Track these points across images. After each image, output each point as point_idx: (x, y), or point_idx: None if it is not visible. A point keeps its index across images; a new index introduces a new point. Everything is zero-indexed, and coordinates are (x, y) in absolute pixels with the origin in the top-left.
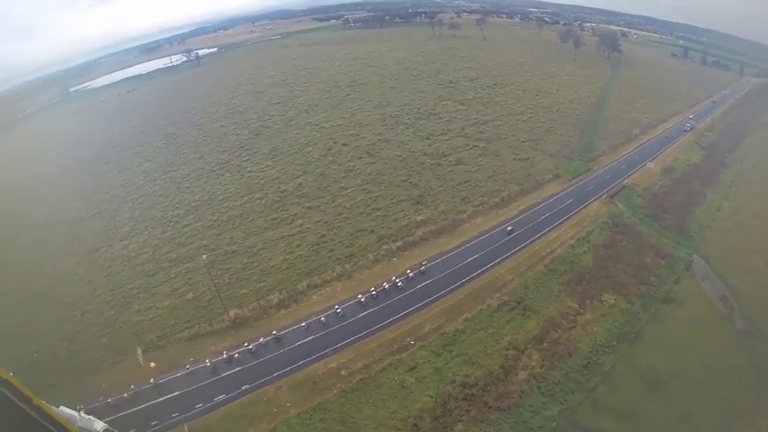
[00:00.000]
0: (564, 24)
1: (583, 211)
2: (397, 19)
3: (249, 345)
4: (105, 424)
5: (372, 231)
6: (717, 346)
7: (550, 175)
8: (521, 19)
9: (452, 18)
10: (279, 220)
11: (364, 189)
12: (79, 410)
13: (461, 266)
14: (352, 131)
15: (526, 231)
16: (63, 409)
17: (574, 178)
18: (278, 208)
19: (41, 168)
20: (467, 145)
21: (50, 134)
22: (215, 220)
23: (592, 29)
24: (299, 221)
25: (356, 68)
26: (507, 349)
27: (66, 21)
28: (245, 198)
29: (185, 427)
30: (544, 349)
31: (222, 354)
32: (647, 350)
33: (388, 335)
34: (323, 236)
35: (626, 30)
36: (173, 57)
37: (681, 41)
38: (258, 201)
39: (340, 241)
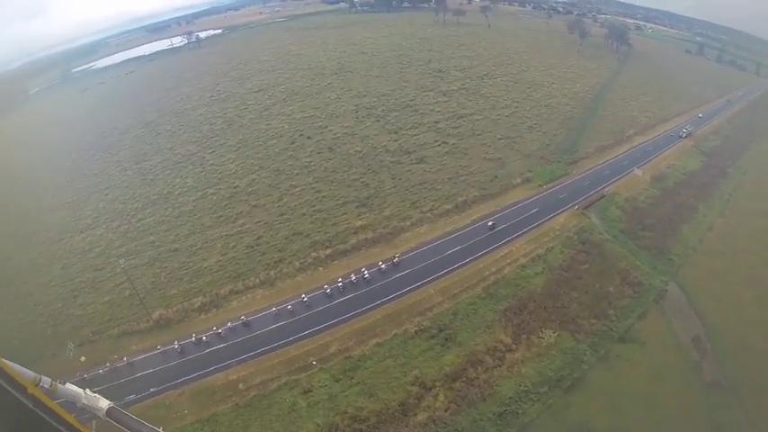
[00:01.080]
0: (577, 15)
1: (546, 224)
2: (405, 3)
3: (160, 348)
4: (110, 402)
5: (308, 236)
6: (675, 402)
7: (519, 179)
8: (533, 8)
9: (461, 4)
10: (223, 219)
11: (314, 188)
12: (85, 389)
13: (387, 282)
14: (320, 123)
15: (474, 245)
16: (69, 386)
17: (546, 184)
18: (226, 205)
19: (29, 154)
20: (435, 141)
21: (43, 119)
22: (167, 216)
23: (603, 20)
24: (242, 221)
25: (347, 55)
26: (413, 384)
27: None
28: (199, 193)
29: (92, 424)
30: (455, 389)
31: (139, 354)
32: (585, 401)
33: (292, 351)
34: (259, 237)
35: (641, 23)
36: (173, 39)
37: (698, 38)
38: (210, 197)
39: (274, 245)
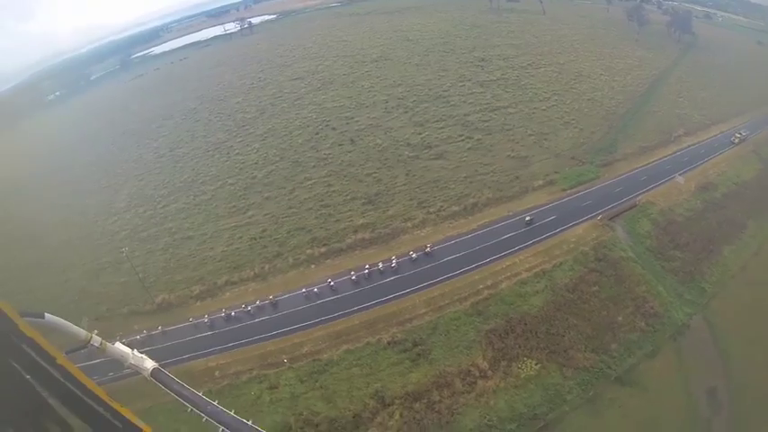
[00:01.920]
0: (639, 1)
1: (561, 235)
2: None
3: (145, 332)
4: (155, 363)
5: (309, 231)
6: None
7: (542, 181)
8: None
9: None
10: (236, 209)
11: (326, 182)
12: (133, 349)
13: (376, 287)
14: (349, 114)
15: (477, 252)
16: (118, 345)
17: (572, 187)
18: (241, 196)
19: (78, 138)
20: (460, 136)
21: (95, 105)
22: (187, 204)
23: (669, 7)
24: (252, 212)
25: (392, 42)
26: (372, 397)
27: None
28: (219, 183)
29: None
30: (414, 410)
31: (142, 332)
32: None
33: (268, 346)
34: (264, 230)
35: (712, 11)
36: (227, 25)
37: None
38: (229, 186)
39: (276, 238)
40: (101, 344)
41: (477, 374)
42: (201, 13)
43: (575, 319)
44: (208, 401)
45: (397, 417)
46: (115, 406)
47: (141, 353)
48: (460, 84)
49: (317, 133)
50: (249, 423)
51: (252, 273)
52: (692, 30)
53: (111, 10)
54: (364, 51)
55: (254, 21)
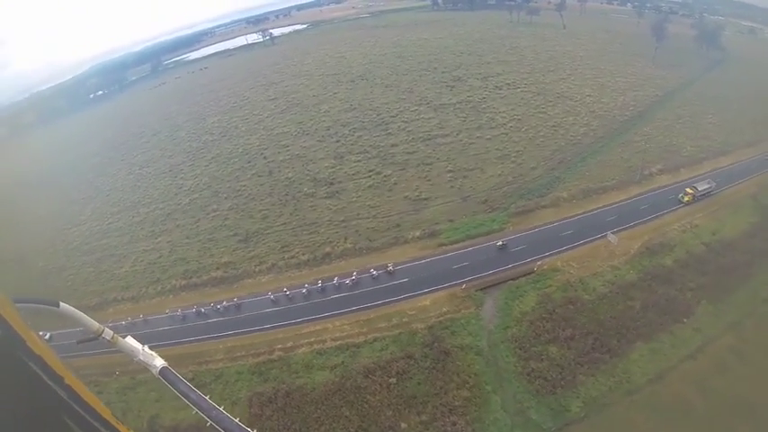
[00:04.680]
0: (666, 13)
1: (401, 303)
2: (491, 1)
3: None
4: (165, 362)
5: (187, 262)
6: None
7: (422, 232)
8: (633, 7)
9: (549, 2)
10: (152, 234)
11: (225, 215)
12: (144, 345)
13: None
14: (286, 142)
15: (295, 309)
16: (129, 339)
17: (456, 242)
18: (162, 221)
19: (83, 148)
20: (369, 171)
21: (110, 112)
22: (125, 224)
23: (699, 21)
24: (160, 238)
25: (382, 59)
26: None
27: None
28: (153, 206)
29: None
30: None
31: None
32: None
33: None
34: (160, 256)
35: (758, 26)
36: (249, 36)
37: None
38: (158, 211)
39: (162, 265)
40: (112, 337)
41: None
42: (242, 19)
43: (348, 411)
44: (213, 406)
45: None
46: (123, 430)
47: (152, 350)
48: (415, 108)
49: (248, 162)
50: None
51: (131, 295)
52: (721, 45)
53: (168, 10)
54: (349, 69)
55: (285, 30)
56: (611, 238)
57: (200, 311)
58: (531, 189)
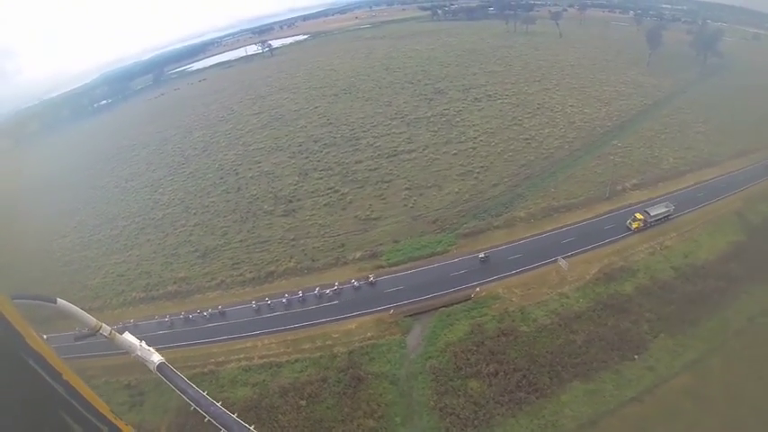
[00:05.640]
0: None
1: (329, 325)
2: (491, 10)
3: None
4: (162, 358)
5: (150, 276)
6: None
7: (364, 252)
8: (634, 14)
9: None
10: (125, 247)
11: (191, 231)
12: (141, 341)
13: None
14: (259, 158)
15: (232, 325)
16: (127, 335)
17: (397, 264)
18: (135, 235)
19: (80, 159)
20: (328, 189)
21: (105, 124)
22: (104, 236)
23: (695, 27)
24: (132, 252)
25: (369, 71)
26: None
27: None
28: (130, 220)
29: None
30: None
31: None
32: None
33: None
34: (128, 269)
35: (762, 33)
36: (248, 47)
37: None
38: (134, 225)
39: (128, 277)
40: (110, 333)
41: None
42: (248, 29)
43: (259, 429)
44: (211, 402)
45: None
46: (120, 425)
47: (149, 346)
48: (389, 122)
49: (221, 178)
50: (251, 428)
51: (97, 305)
52: (719, 51)
53: (178, 20)
54: (336, 83)
55: (287, 41)
56: (562, 263)
57: (160, 323)
58: (487, 208)
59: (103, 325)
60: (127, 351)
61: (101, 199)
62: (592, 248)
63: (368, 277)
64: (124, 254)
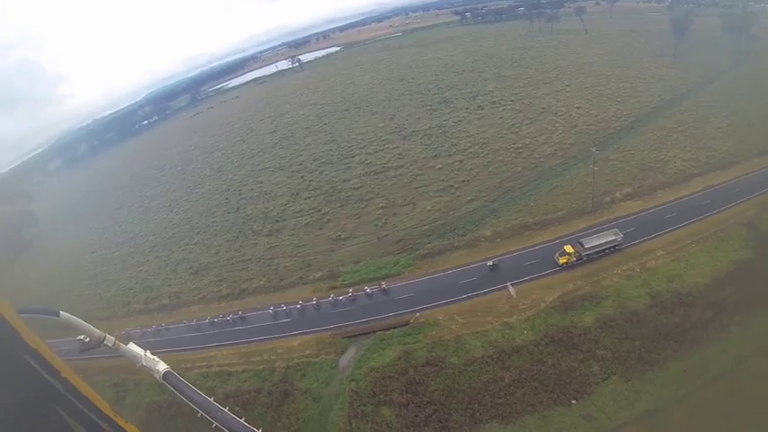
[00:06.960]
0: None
1: (275, 341)
2: (519, 10)
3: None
4: (167, 366)
5: (151, 290)
6: None
7: (323, 273)
8: (670, 2)
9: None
10: (137, 263)
11: (191, 249)
12: (146, 350)
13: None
14: (262, 178)
15: (203, 336)
16: (132, 345)
17: (352, 284)
18: (147, 252)
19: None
20: (312, 209)
21: (151, 141)
22: (122, 253)
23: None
24: (142, 268)
25: (384, 83)
26: None
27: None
28: (145, 239)
29: None
30: None
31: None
32: None
33: None
34: (136, 283)
35: None
36: (278, 63)
37: None
38: (147, 243)
39: (134, 290)
40: (114, 343)
41: None
42: (284, 43)
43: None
44: (219, 407)
45: None
46: (120, 422)
47: (154, 355)
48: (387, 137)
49: (226, 198)
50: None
51: (107, 314)
52: (754, 35)
53: (222, 36)
54: (350, 97)
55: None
56: (511, 289)
57: (148, 331)
58: (456, 226)
59: (108, 336)
60: (132, 360)
61: (126, 218)
62: (557, 271)
63: (329, 296)
64: (136, 269)
